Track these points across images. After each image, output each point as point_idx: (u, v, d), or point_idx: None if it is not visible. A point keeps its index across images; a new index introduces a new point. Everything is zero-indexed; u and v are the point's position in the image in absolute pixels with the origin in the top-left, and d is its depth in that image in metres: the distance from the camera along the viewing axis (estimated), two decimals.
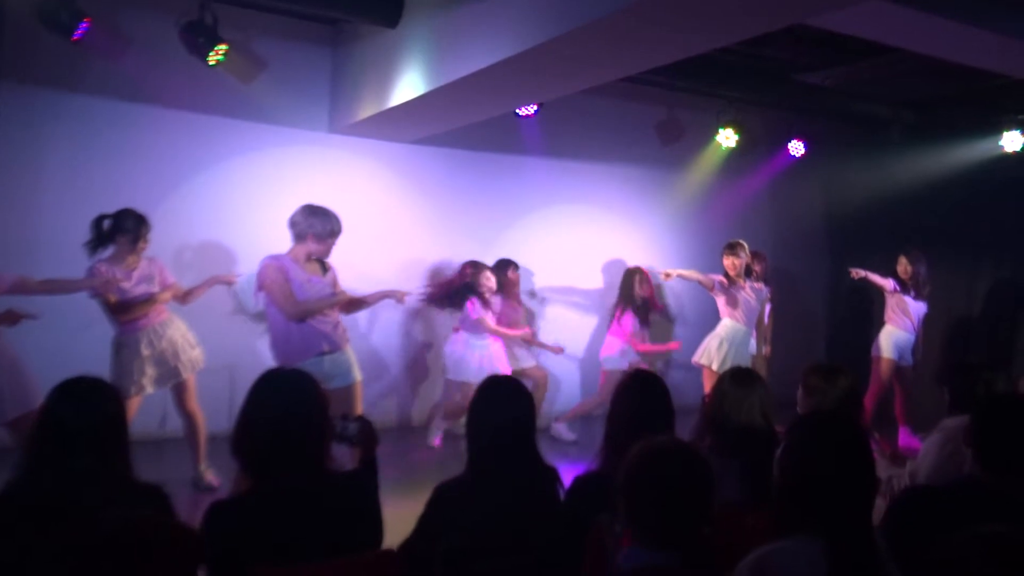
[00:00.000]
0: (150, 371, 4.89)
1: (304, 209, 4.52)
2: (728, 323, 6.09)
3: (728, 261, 6.14)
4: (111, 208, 4.89)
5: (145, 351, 4.87)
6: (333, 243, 4.57)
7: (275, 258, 4.45)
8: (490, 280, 6.31)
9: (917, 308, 6.74)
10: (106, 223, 4.86)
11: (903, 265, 6.77)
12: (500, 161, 7.67)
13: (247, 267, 4.93)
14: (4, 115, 5.73)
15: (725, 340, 6.00)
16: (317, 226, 4.47)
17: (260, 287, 4.43)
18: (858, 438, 1.95)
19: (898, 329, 6.71)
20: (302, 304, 4.38)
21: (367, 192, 7.03)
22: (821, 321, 9.46)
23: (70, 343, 5.48)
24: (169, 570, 1.63)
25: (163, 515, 1.85)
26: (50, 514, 2.10)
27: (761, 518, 2.32)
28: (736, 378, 3.06)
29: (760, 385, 3.03)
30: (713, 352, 6.02)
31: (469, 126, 6.65)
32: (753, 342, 6.48)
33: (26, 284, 4.50)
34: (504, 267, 6.82)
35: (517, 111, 6.88)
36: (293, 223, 4.50)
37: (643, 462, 1.93)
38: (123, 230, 4.86)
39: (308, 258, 4.52)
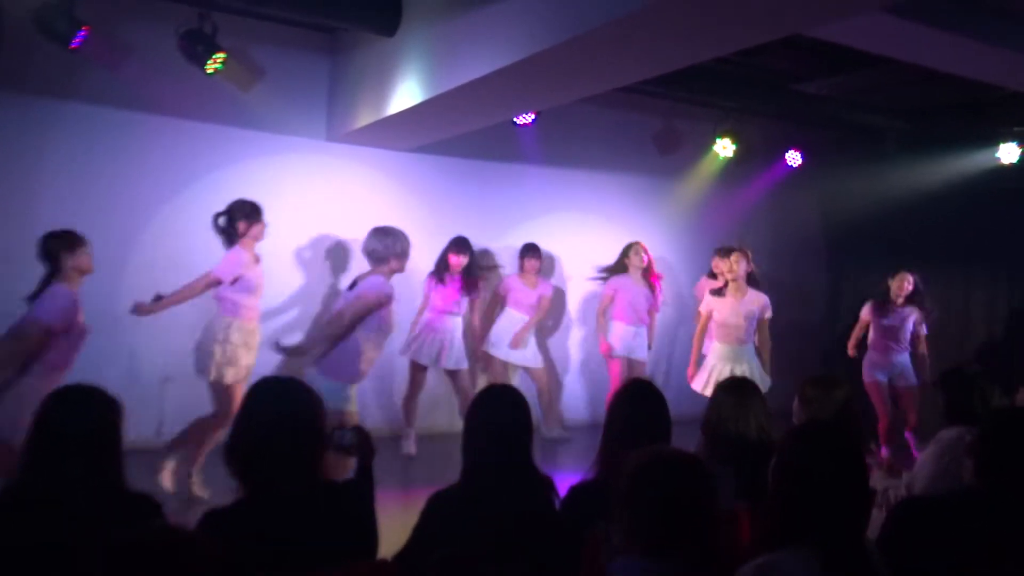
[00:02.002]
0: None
1: (376, 232, 4.61)
2: (716, 346, 6.13)
3: (724, 265, 6.20)
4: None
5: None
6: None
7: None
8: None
9: (904, 327, 6.53)
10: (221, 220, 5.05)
11: (898, 282, 6.49)
12: (498, 169, 7.68)
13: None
14: (2, 124, 5.72)
15: (715, 368, 6.04)
16: (396, 246, 4.59)
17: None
18: (852, 449, 1.94)
19: (876, 352, 6.65)
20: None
21: (365, 200, 7.02)
22: (818, 332, 9.44)
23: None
24: None
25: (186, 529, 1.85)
26: (43, 519, 2.09)
27: (754, 526, 2.32)
28: (731, 387, 3.08)
29: (756, 395, 3.05)
30: (703, 380, 6.07)
31: (467, 134, 6.65)
32: (751, 347, 6.36)
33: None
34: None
35: (515, 119, 6.90)
36: (371, 250, 4.57)
37: (645, 469, 1.92)
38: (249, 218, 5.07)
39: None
